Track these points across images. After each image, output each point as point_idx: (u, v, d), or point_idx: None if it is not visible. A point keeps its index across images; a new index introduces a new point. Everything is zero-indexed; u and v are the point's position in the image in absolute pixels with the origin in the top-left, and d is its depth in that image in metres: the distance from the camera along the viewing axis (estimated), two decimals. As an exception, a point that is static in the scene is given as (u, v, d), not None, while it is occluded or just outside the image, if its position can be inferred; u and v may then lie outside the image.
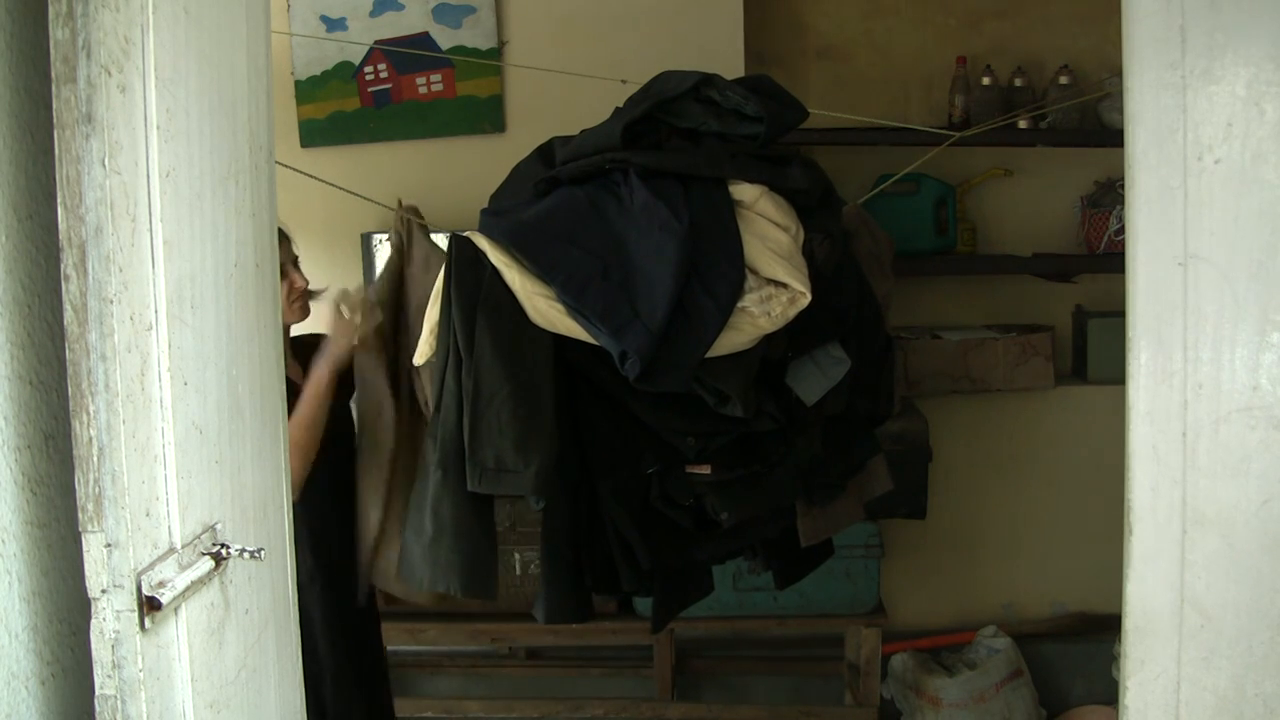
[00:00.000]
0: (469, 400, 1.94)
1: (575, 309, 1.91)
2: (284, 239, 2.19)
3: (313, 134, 3.39)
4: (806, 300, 1.94)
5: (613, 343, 1.89)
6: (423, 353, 2.04)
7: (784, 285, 1.95)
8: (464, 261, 1.97)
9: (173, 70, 1.35)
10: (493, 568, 2.10)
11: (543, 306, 1.94)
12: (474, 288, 1.95)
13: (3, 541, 1.22)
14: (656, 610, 2.35)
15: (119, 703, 1.24)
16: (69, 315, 1.21)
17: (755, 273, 1.96)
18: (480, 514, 2.05)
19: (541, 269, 1.92)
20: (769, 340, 2.01)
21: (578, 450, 2.12)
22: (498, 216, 2.02)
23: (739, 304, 1.93)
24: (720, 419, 2.04)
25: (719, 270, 1.93)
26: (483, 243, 1.97)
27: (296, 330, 2.37)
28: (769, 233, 1.99)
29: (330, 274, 2.84)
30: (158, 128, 1.32)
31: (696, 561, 2.35)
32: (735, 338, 1.96)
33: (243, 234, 1.59)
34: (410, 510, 2.07)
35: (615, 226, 1.97)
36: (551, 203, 2.02)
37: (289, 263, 2.26)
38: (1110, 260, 3.32)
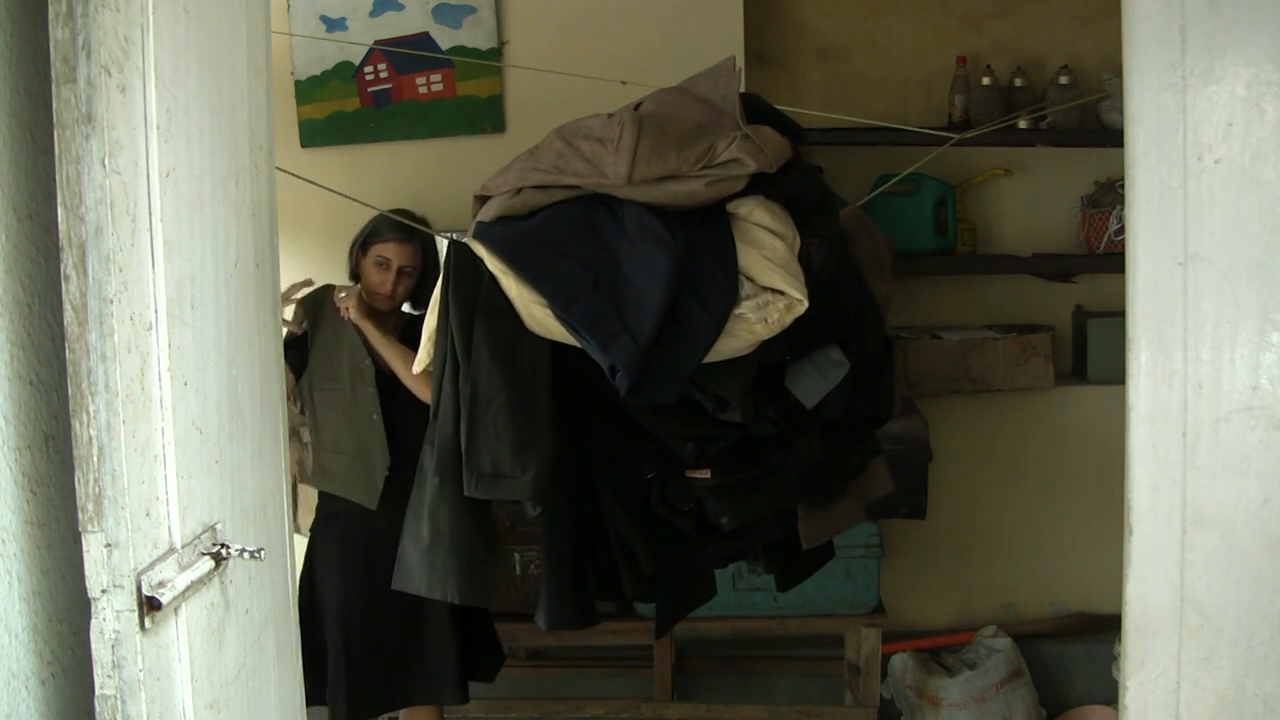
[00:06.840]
0: (466, 405, 1.95)
1: (564, 320, 1.91)
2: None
3: (313, 134, 3.39)
4: (803, 307, 1.94)
5: (601, 355, 1.90)
6: (421, 360, 2.05)
7: (781, 293, 1.95)
8: (462, 268, 1.97)
9: (173, 70, 1.36)
10: (489, 575, 2.09)
11: (539, 314, 1.94)
12: (472, 294, 1.96)
13: (3, 541, 1.22)
14: (660, 615, 2.35)
15: (119, 703, 1.24)
16: (69, 315, 1.21)
17: (752, 280, 1.97)
18: (478, 521, 2.05)
19: (531, 279, 1.93)
20: (767, 344, 2.01)
21: (578, 456, 2.12)
22: (495, 225, 2.02)
23: (736, 310, 1.94)
24: (719, 424, 2.04)
25: (713, 282, 1.93)
26: (480, 250, 1.98)
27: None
28: (765, 241, 1.99)
29: (330, 273, 2.85)
30: (158, 128, 1.32)
31: (698, 565, 2.35)
32: (732, 344, 1.96)
33: (243, 234, 1.59)
34: (408, 516, 2.07)
35: (608, 240, 1.98)
36: (546, 215, 2.03)
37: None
38: (1110, 260, 3.32)
